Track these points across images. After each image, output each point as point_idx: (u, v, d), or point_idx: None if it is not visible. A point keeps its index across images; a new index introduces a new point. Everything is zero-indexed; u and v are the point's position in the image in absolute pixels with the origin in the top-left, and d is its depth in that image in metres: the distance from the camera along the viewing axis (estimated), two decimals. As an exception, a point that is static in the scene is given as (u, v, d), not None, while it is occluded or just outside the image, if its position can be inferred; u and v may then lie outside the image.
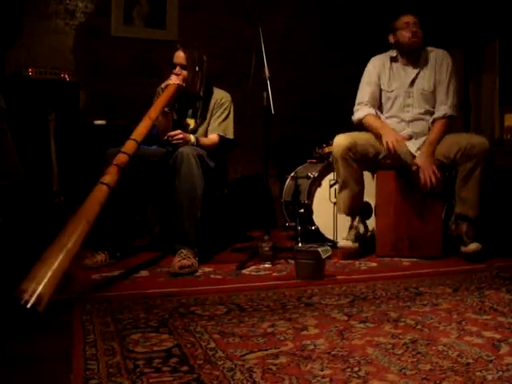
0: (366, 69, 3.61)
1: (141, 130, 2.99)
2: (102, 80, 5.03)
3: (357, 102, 3.58)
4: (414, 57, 3.49)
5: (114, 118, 4.74)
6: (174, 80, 3.34)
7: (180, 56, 3.42)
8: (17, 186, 3.47)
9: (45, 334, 1.88)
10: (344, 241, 3.43)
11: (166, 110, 3.29)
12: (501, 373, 1.47)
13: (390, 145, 3.27)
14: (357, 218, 3.50)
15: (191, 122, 3.55)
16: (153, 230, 4.19)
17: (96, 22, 5.04)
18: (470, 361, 1.56)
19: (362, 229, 3.51)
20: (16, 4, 4.70)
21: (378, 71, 3.53)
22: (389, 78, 3.51)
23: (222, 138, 3.53)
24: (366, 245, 3.52)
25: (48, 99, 4.22)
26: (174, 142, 3.25)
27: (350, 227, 3.50)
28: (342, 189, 3.45)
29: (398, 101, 3.49)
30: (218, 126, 3.52)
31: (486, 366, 1.53)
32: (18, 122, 3.84)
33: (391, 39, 3.52)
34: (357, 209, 3.49)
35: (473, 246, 3.21)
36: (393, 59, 3.54)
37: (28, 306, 1.91)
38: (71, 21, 4.97)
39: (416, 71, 3.48)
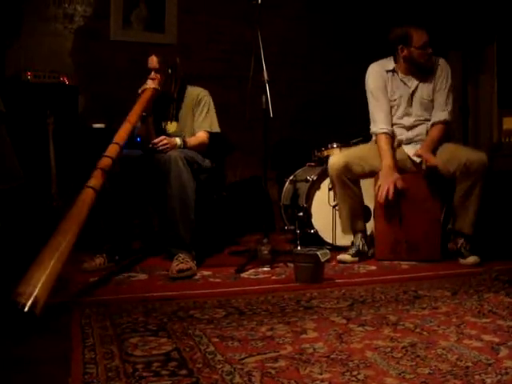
0: (372, 77, 3.56)
1: (121, 133, 3.03)
2: (101, 83, 5.02)
3: (374, 110, 3.53)
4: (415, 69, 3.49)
5: (113, 121, 4.73)
6: (149, 84, 3.37)
7: (153, 60, 3.46)
8: (16, 189, 3.46)
9: (44, 337, 1.88)
10: (343, 255, 3.42)
11: (144, 114, 3.31)
12: (500, 376, 1.47)
13: (379, 194, 3.31)
14: (359, 236, 3.50)
15: (174, 126, 3.56)
16: (154, 232, 4.17)
17: (95, 26, 5.04)
18: (469, 364, 1.56)
19: (365, 247, 3.50)
20: (15, 7, 4.70)
21: (383, 78, 3.52)
22: (391, 88, 3.51)
23: (209, 134, 3.54)
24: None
25: (47, 102, 4.21)
26: (160, 148, 3.26)
27: (352, 243, 3.50)
28: (340, 208, 3.49)
29: (399, 109, 3.51)
30: (202, 123, 3.54)
31: (485, 369, 1.52)
32: (17, 126, 3.83)
33: (403, 52, 3.43)
34: (357, 227, 3.50)
35: (471, 260, 3.25)
36: (390, 72, 3.52)
37: (25, 309, 1.91)
38: (70, 24, 4.97)
39: (416, 82, 3.48)
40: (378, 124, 3.48)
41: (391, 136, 3.46)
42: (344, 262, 3.35)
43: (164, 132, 3.49)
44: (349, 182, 3.37)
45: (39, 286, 2.02)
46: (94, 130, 4.55)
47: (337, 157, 3.43)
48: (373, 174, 3.45)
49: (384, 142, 3.41)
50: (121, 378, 1.47)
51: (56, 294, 2.23)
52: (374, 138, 3.54)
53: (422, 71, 3.46)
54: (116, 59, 5.07)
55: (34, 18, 4.82)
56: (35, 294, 1.98)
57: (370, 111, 3.55)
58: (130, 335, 1.86)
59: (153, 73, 3.44)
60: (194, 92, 3.60)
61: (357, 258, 3.42)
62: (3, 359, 1.66)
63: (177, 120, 3.56)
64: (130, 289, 2.66)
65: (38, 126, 4.07)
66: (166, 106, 3.55)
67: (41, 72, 4.42)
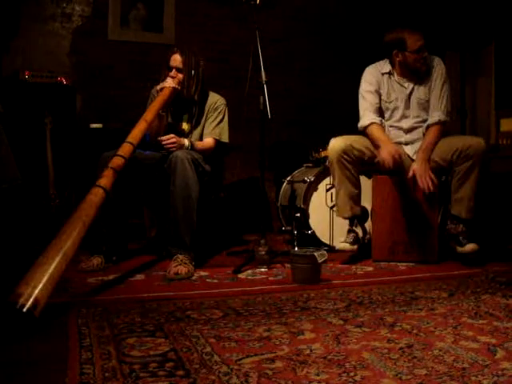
0: (364, 79, 3.57)
1: (136, 132, 3.00)
2: (99, 83, 5.02)
3: (362, 108, 3.54)
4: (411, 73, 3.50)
5: (110, 121, 4.74)
6: (169, 83, 3.34)
7: (177, 59, 3.42)
8: (13, 190, 3.46)
9: (40, 337, 1.88)
10: (342, 244, 3.42)
11: (160, 112, 3.29)
12: (496, 378, 1.47)
13: (386, 163, 3.28)
14: (354, 222, 3.50)
15: (187, 127, 3.55)
16: (149, 234, 4.18)
17: (93, 26, 5.03)
18: (466, 365, 1.57)
19: (360, 232, 3.50)
20: (13, 7, 4.69)
21: (377, 80, 3.51)
22: (387, 89, 3.50)
23: (217, 142, 3.53)
24: (362, 249, 3.52)
25: (44, 102, 4.22)
26: (168, 146, 3.25)
27: (349, 231, 3.50)
28: (338, 192, 3.44)
29: (397, 112, 3.50)
30: (212, 130, 3.52)
31: (482, 370, 1.53)
32: (15, 126, 3.83)
33: (397, 57, 3.43)
34: (355, 211, 3.47)
35: (470, 247, 3.21)
36: (386, 74, 3.53)
37: (24, 309, 1.90)
38: (68, 24, 4.96)
39: (412, 84, 3.48)
40: (366, 118, 3.47)
41: (382, 125, 3.46)
42: (344, 261, 3.36)
43: (177, 132, 3.46)
44: (348, 164, 3.35)
45: (40, 286, 1.99)
46: (92, 130, 4.55)
47: (338, 139, 3.40)
48: (371, 161, 3.43)
49: (377, 130, 3.40)
50: (118, 378, 1.47)
51: (53, 294, 2.22)
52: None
53: (417, 74, 3.46)
54: (114, 59, 5.07)
55: (31, 17, 4.81)
56: (35, 295, 1.95)
57: (360, 110, 3.55)
58: (126, 336, 1.86)
59: (174, 71, 3.41)
60: (214, 98, 3.58)
61: (355, 246, 3.42)
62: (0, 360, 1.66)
63: (191, 122, 3.54)
64: (127, 289, 2.66)
65: (36, 125, 4.07)
66: (184, 106, 3.54)
67: (38, 72, 4.42)
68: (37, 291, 1.97)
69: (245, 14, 4.28)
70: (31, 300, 1.93)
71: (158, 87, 3.37)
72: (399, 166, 3.34)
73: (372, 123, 3.43)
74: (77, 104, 4.68)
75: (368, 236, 3.54)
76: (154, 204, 3.95)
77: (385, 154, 3.28)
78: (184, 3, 5.33)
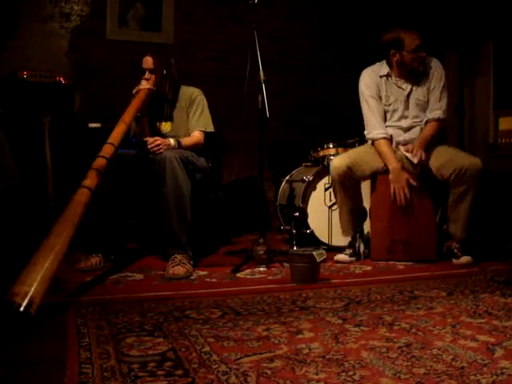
0: (364, 83, 3.55)
1: (116, 134, 3.03)
2: (97, 83, 5.02)
3: (368, 116, 3.52)
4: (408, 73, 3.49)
5: (109, 120, 4.72)
6: (144, 85, 3.37)
7: (148, 61, 3.45)
8: (11, 189, 3.46)
9: (39, 337, 1.88)
10: (341, 255, 3.43)
11: (138, 114, 3.31)
12: (495, 377, 1.47)
13: (397, 198, 3.34)
14: (357, 236, 3.51)
15: (166, 126, 3.57)
16: (150, 227, 4.16)
17: (91, 25, 5.03)
18: (465, 364, 1.57)
19: (362, 247, 3.52)
20: (11, 6, 4.69)
21: (376, 84, 3.51)
22: (386, 93, 3.50)
23: (205, 134, 3.55)
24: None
25: (43, 102, 4.21)
26: (154, 149, 3.26)
27: (349, 244, 3.51)
28: (341, 211, 3.48)
29: (396, 113, 3.50)
30: (196, 122, 3.54)
31: (481, 369, 1.53)
32: (13, 125, 3.83)
33: (395, 56, 3.42)
34: (357, 229, 3.51)
35: (464, 260, 3.29)
36: (384, 77, 3.52)
37: (21, 309, 1.91)
38: (66, 23, 4.96)
39: (410, 85, 3.47)
40: (374, 130, 3.47)
41: (389, 139, 3.47)
42: (341, 263, 3.36)
43: (159, 132, 3.49)
44: (350, 185, 3.37)
45: (34, 285, 2.01)
46: (90, 130, 4.54)
47: (339, 160, 3.41)
48: (373, 175, 3.46)
49: (385, 146, 3.42)
50: (116, 377, 1.47)
51: (52, 294, 2.23)
52: (369, 141, 3.54)
53: (414, 74, 3.46)
54: (112, 59, 5.07)
55: (30, 17, 4.81)
56: (30, 293, 1.97)
57: (364, 117, 3.54)
58: (125, 335, 1.86)
59: (147, 73, 3.44)
60: (188, 92, 3.60)
61: (354, 259, 3.44)
62: (-2, 359, 1.66)
63: (171, 120, 3.56)
64: (125, 289, 2.66)
65: (34, 125, 4.07)
66: (161, 106, 3.55)
67: (37, 71, 4.42)
68: (32, 290, 1.99)
69: (243, 13, 4.28)
70: (27, 299, 1.95)
71: (134, 91, 3.39)
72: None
73: (381, 138, 3.44)
74: (75, 103, 4.68)
75: (367, 251, 3.54)
76: (151, 203, 3.94)
77: (397, 190, 3.34)
78: (183, 2, 5.33)
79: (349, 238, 3.50)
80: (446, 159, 3.32)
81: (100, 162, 2.82)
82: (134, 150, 3.43)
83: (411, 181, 3.33)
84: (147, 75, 3.44)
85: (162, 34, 5.24)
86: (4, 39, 4.69)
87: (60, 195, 3.98)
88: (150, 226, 4.17)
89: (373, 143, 3.50)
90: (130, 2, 5.15)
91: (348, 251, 3.46)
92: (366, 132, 3.53)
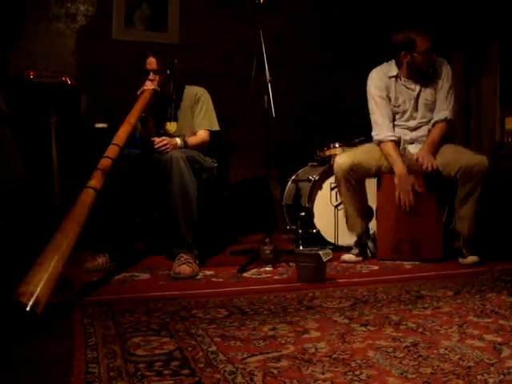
0: (372, 82, 3.54)
1: (121, 134, 3.04)
2: (103, 83, 5.03)
3: (375, 118, 3.51)
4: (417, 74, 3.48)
5: (115, 121, 4.73)
6: (148, 85, 3.39)
7: (152, 62, 3.47)
8: (18, 189, 3.47)
9: (46, 337, 1.88)
10: (348, 255, 3.43)
11: (143, 115, 3.32)
12: (502, 376, 1.47)
13: (402, 203, 3.34)
14: (363, 235, 3.50)
15: (171, 126, 3.57)
16: (156, 228, 4.17)
17: (97, 26, 5.04)
18: (472, 364, 1.56)
19: (371, 245, 3.53)
20: (17, 7, 4.70)
21: (385, 85, 3.50)
22: (395, 94, 3.49)
23: (210, 133, 3.55)
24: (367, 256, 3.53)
25: (49, 102, 4.21)
26: (161, 149, 3.26)
27: (356, 243, 3.50)
28: (347, 209, 3.48)
29: (405, 114, 3.50)
30: (201, 121, 3.55)
31: (488, 369, 1.52)
32: (20, 125, 3.84)
33: (406, 57, 3.41)
34: (364, 226, 3.50)
35: (470, 259, 3.27)
36: (393, 77, 3.51)
37: (27, 308, 1.91)
38: (72, 24, 4.97)
39: (419, 86, 3.46)
40: (383, 132, 3.46)
41: (397, 142, 3.47)
42: (348, 262, 3.36)
43: (164, 132, 3.50)
44: (354, 182, 3.37)
45: (40, 285, 2.02)
46: (97, 130, 4.55)
47: (343, 157, 3.42)
48: (378, 173, 3.45)
49: (392, 149, 3.41)
50: (123, 377, 1.48)
51: (58, 294, 2.23)
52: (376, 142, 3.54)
53: (423, 75, 3.45)
54: (118, 59, 5.07)
55: (36, 17, 4.82)
56: (36, 293, 1.97)
57: (372, 118, 3.53)
58: (132, 335, 1.86)
59: (151, 74, 3.46)
60: (192, 91, 3.60)
61: (361, 258, 3.43)
62: (6, 359, 1.66)
63: (176, 120, 3.56)
64: (132, 288, 2.66)
65: (41, 125, 4.07)
66: (165, 106, 3.56)
67: (43, 72, 4.43)
68: (38, 290, 1.99)
69: (248, 13, 4.28)
70: (33, 299, 1.95)
71: (138, 92, 3.40)
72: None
73: (387, 140, 3.44)
74: (82, 104, 4.68)
75: (374, 250, 3.54)
76: (158, 203, 3.95)
77: (402, 194, 3.34)
78: (188, 3, 5.32)
79: (355, 238, 3.50)
80: (453, 157, 3.31)
81: (105, 162, 2.83)
82: (139, 150, 3.44)
83: (416, 186, 3.33)
84: (151, 76, 3.45)
85: (167, 35, 5.25)
86: (11, 40, 4.70)
87: (66, 195, 3.99)
88: (154, 226, 4.19)
89: (379, 144, 3.49)
90: (136, 2, 5.15)
91: (354, 251, 3.45)
92: (374, 133, 3.52)
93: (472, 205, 3.28)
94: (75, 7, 4.98)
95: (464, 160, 3.25)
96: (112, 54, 5.06)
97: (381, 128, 3.48)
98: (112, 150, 2.91)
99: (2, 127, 3.29)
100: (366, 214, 3.50)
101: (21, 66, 4.59)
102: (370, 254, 3.52)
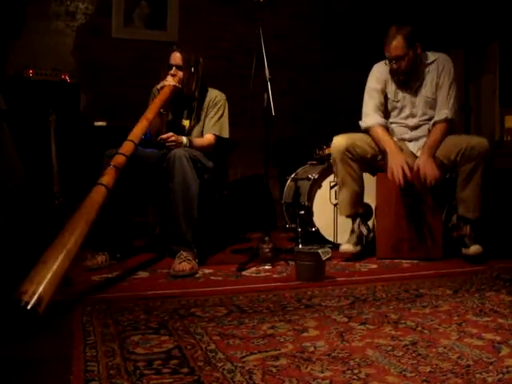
0: (372, 75, 3.56)
1: (138, 131, 3.02)
2: (103, 81, 5.03)
3: (365, 108, 3.53)
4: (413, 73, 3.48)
5: (115, 119, 4.74)
6: (169, 81, 3.36)
7: (176, 57, 3.43)
8: (17, 188, 3.47)
9: (45, 335, 1.88)
10: (345, 245, 3.42)
11: (161, 111, 3.31)
12: (501, 375, 1.47)
13: (396, 177, 3.26)
14: (357, 221, 3.48)
15: (187, 123, 3.56)
16: (153, 232, 4.19)
17: (97, 24, 5.04)
18: (471, 363, 1.56)
19: (364, 231, 3.50)
20: (17, 6, 4.70)
21: (384, 78, 3.50)
22: (395, 88, 3.49)
23: (217, 138, 3.53)
24: (366, 246, 3.51)
25: (48, 100, 4.22)
26: (167, 144, 3.26)
27: (352, 231, 3.49)
28: (341, 189, 3.45)
29: (404, 110, 3.49)
30: (212, 126, 3.53)
31: (487, 368, 1.52)
32: (19, 124, 3.84)
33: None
34: (357, 209, 3.47)
35: (474, 249, 3.23)
36: None
37: (28, 307, 1.90)
38: (72, 22, 4.97)
39: (418, 82, 3.46)
40: (370, 118, 3.46)
41: (386, 127, 3.45)
42: (347, 257, 3.36)
43: (180, 130, 3.47)
44: (351, 162, 3.35)
45: (44, 284, 1.99)
46: (96, 128, 4.56)
47: (340, 137, 3.40)
48: (374, 160, 3.44)
49: (382, 133, 3.39)
50: (122, 375, 1.48)
51: (57, 292, 2.23)
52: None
53: (415, 75, 3.44)
54: (118, 57, 5.08)
55: (35, 15, 4.83)
56: (39, 292, 1.95)
57: (363, 109, 3.54)
58: (131, 333, 1.86)
59: (174, 69, 3.42)
60: (212, 94, 3.58)
61: (359, 247, 3.42)
62: (4, 358, 1.66)
63: (191, 119, 3.54)
64: (131, 287, 2.66)
65: (40, 123, 4.07)
66: (186, 104, 3.54)
67: (42, 70, 4.44)
68: (41, 289, 1.97)
69: (248, 12, 4.28)
70: (35, 297, 1.93)
71: (159, 86, 3.38)
72: (408, 184, 3.30)
73: (376, 124, 3.42)
74: (81, 102, 4.69)
75: (372, 234, 3.53)
76: (157, 202, 3.95)
77: (395, 169, 3.27)
78: (188, 1, 5.33)
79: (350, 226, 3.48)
80: (452, 142, 3.30)
81: (119, 159, 2.78)
82: (142, 146, 3.40)
83: (410, 161, 3.29)
84: (174, 71, 3.41)
85: (167, 33, 5.25)
86: (11, 38, 4.70)
87: (65, 194, 3.99)
88: (149, 223, 4.19)
89: (368, 132, 3.46)
90: (136, 0, 5.16)
91: (352, 239, 3.43)
92: (361, 122, 3.51)
93: (474, 186, 3.22)
94: (75, 5, 4.98)
95: (463, 142, 3.24)
96: (111, 52, 5.07)
97: (369, 116, 3.48)
98: (127, 147, 2.88)
99: (1, 125, 3.29)
100: (360, 198, 3.46)
101: (20, 64, 4.59)
102: (367, 240, 3.49)
